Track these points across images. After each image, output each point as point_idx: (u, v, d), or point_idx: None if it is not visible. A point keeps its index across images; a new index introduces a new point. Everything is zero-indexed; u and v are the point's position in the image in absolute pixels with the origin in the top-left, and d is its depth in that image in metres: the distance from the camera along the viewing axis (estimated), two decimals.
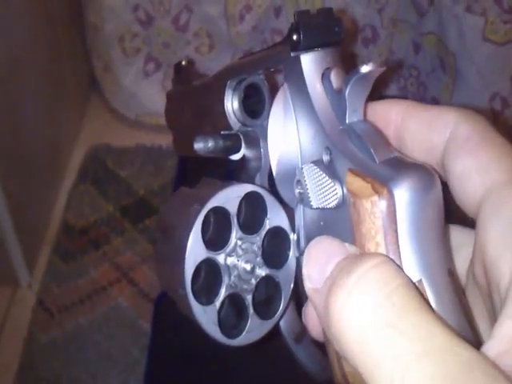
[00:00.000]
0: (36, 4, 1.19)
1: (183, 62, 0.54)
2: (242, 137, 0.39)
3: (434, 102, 1.30)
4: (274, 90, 0.35)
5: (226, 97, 0.38)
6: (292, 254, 0.36)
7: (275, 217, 0.35)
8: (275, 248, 0.36)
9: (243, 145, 0.39)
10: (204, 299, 0.34)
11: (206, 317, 0.34)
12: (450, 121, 0.29)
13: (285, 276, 0.36)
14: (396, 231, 0.26)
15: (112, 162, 1.31)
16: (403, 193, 0.26)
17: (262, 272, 0.35)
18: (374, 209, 0.26)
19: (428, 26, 1.25)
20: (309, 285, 0.28)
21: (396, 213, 0.26)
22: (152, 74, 1.35)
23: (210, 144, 0.38)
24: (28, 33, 1.15)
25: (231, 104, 0.38)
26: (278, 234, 0.36)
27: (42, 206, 1.22)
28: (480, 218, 0.27)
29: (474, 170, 0.28)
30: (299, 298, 0.36)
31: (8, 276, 1.11)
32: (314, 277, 0.28)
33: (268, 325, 0.36)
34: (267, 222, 0.35)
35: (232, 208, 0.34)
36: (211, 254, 0.34)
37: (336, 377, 0.29)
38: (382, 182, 0.26)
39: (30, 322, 1.07)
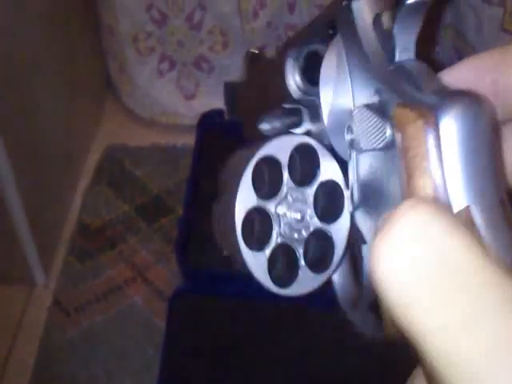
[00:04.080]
0: (51, 6, 1.19)
1: (255, 51, 0.54)
2: (303, 110, 0.38)
3: None
4: None
5: (287, 68, 0.38)
6: (346, 209, 0.35)
7: (328, 170, 0.35)
8: (328, 202, 0.35)
9: (306, 118, 0.38)
10: (255, 246, 0.34)
11: (256, 263, 0.34)
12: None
13: (338, 231, 0.35)
14: (442, 159, 0.24)
15: (128, 161, 1.31)
16: (450, 119, 0.24)
17: (313, 224, 0.35)
18: (418, 134, 0.25)
19: (445, 19, 1.23)
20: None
21: (442, 139, 0.24)
22: (166, 74, 1.34)
23: (274, 123, 0.38)
24: (43, 34, 1.15)
25: (292, 74, 0.38)
26: (331, 188, 0.35)
27: (58, 205, 1.22)
28: None
29: None
30: (355, 261, 0.35)
31: (24, 276, 1.11)
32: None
33: (320, 278, 0.36)
34: (320, 174, 0.35)
35: (283, 158, 0.34)
36: (261, 202, 0.34)
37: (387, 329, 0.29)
38: (428, 109, 0.25)
39: (46, 321, 1.07)
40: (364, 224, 0.31)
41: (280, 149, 0.34)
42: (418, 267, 0.20)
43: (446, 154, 0.24)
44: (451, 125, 0.24)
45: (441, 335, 0.19)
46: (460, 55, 1.22)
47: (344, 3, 0.31)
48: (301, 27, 0.39)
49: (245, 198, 0.33)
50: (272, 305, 0.98)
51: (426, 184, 0.24)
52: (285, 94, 0.38)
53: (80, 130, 1.33)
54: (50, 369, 1.01)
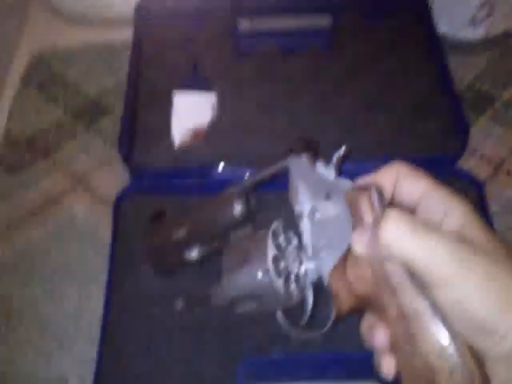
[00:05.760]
0: None
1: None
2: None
3: None
4: None
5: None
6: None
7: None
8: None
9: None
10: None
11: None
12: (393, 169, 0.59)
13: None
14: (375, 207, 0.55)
15: (58, 64, 1.14)
16: (373, 191, 0.56)
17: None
18: (363, 197, 0.56)
19: None
20: (363, 248, 0.54)
21: (372, 195, 0.56)
22: None
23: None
24: None
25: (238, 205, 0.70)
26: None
27: None
28: (422, 201, 0.56)
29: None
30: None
31: None
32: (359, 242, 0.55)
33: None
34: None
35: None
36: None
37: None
38: (361, 191, 0.57)
39: None
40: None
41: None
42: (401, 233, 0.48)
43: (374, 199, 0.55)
44: (373, 190, 0.55)
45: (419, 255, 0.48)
46: None
47: (298, 156, 0.64)
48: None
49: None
50: None
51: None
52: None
53: (3, 36, 1.16)
54: None
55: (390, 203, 0.58)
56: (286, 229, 0.65)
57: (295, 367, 0.74)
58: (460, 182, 0.91)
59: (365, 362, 0.73)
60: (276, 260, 0.61)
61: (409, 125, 0.97)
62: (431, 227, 0.48)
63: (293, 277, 0.62)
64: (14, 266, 0.89)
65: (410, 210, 0.56)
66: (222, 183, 0.89)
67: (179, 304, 0.71)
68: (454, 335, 0.48)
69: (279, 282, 0.60)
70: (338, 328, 0.63)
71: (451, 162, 0.94)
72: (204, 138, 0.96)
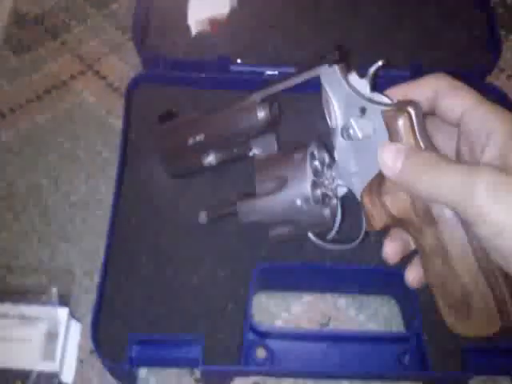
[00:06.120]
0: None
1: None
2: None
3: None
4: None
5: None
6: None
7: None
8: None
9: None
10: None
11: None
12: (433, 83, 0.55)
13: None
14: (415, 130, 0.52)
15: None
16: (412, 109, 0.52)
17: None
18: (400, 120, 0.52)
19: None
20: (392, 173, 0.51)
21: (413, 118, 0.52)
22: None
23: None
24: None
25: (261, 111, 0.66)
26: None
27: None
28: (464, 120, 0.52)
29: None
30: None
31: None
32: (389, 165, 0.51)
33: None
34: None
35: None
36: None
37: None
38: (401, 108, 0.53)
39: None
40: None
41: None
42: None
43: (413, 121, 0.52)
44: (413, 111, 0.52)
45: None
46: None
47: (330, 66, 0.58)
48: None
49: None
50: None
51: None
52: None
53: None
54: None
55: (426, 117, 0.55)
56: (320, 147, 0.62)
57: (309, 276, 0.73)
58: (488, 99, 0.87)
59: (381, 277, 0.72)
60: (314, 186, 0.59)
61: (438, 35, 0.92)
62: (466, 163, 0.52)
63: (327, 200, 0.61)
64: (18, 151, 0.86)
65: (453, 126, 0.54)
66: (238, 80, 0.86)
67: (203, 216, 0.69)
68: (490, 262, 0.49)
69: (317, 208, 0.59)
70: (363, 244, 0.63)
71: (479, 78, 0.90)
72: (222, 29, 0.91)
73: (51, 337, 0.68)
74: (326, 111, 0.60)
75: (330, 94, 0.58)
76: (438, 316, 0.56)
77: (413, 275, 0.58)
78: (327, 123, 0.60)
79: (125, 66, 0.94)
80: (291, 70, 0.85)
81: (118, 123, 0.87)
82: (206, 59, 0.87)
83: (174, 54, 0.87)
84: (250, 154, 0.68)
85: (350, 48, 0.83)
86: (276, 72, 0.86)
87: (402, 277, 0.66)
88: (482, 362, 0.66)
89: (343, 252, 0.68)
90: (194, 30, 0.90)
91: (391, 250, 0.60)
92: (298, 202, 0.59)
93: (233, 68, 0.87)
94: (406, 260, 0.65)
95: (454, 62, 0.88)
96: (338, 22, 0.92)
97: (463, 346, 0.66)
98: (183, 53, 0.88)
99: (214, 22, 0.91)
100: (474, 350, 0.66)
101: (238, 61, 0.87)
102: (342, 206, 0.63)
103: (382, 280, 0.72)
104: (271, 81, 0.65)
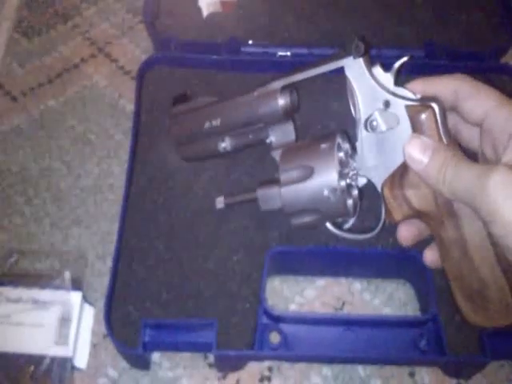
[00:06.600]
0: None
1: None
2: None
3: None
4: None
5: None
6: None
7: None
8: None
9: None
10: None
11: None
12: (453, 84, 0.56)
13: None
14: (439, 126, 0.54)
15: None
16: (436, 106, 0.54)
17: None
18: (424, 114, 0.54)
19: None
20: (418, 166, 0.53)
21: (436, 113, 0.54)
22: None
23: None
24: None
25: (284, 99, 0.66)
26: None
27: None
28: (486, 121, 0.53)
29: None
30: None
31: None
32: (416, 158, 0.53)
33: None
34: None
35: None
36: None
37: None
38: (424, 104, 0.55)
39: None
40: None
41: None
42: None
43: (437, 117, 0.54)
44: (437, 108, 0.54)
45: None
46: None
47: (355, 58, 0.58)
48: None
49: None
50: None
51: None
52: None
53: None
54: None
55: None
56: (344, 137, 0.62)
57: (323, 260, 0.72)
58: (502, 79, 0.85)
59: (396, 260, 0.71)
60: (341, 177, 0.59)
61: (453, 14, 0.90)
62: (480, 164, 0.54)
63: (351, 190, 0.61)
64: (29, 135, 0.86)
65: (475, 126, 0.56)
66: (250, 62, 0.85)
67: (220, 202, 0.69)
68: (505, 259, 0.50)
69: (342, 198, 0.59)
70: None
71: (494, 57, 0.88)
72: (234, 9, 0.89)
73: (64, 321, 0.68)
74: (350, 101, 0.60)
75: (355, 86, 0.59)
76: (454, 300, 0.56)
77: (431, 256, 0.60)
78: (341, 105, 0.61)
79: (136, 48, 0.93)
80: (303, 50, 0.84)
81: (129, 106, 0.86)
82: (217, 41, 0.85)
83: (185, 36, 0.86)
84: (267, 141, 0.68)
85: (363, 27, 0.82)
86: (288, 53, 0.85)
87: (417, 260, 0.65)
88: (500, 347, 0.65)
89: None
90: (205, 12, 0.88)
91: (406, 233, 0.61)
92: (326, 193, 0.59)
93: (244, 49, 0.86)
94: (421, 244, 0.64)
95: (469, 42, 0.87)
96: (351, 2, 0.90)
97: (480, 331, 0.65)
98: (194, 35, 0.86)
99: (225, 4, 0.90)
100: (491, 335, 0.64)
101: (250, 42, 0.86)
102: (361, 195, 0.64)
103: (398, 263, 0.71)
104: (294, 69, 0.65)
